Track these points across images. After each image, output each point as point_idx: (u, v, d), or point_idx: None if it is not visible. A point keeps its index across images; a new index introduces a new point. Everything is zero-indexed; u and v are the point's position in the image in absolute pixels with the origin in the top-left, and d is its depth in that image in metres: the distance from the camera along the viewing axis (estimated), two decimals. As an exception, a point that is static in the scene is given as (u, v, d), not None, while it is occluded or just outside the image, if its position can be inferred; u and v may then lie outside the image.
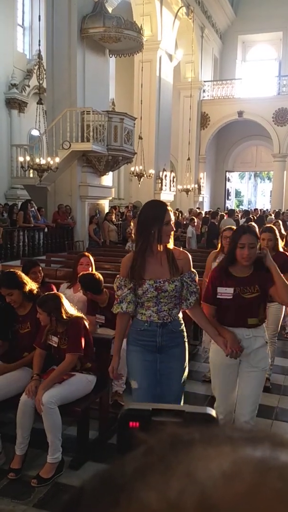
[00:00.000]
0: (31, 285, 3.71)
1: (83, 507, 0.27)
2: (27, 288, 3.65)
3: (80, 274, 4.33)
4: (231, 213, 13.11)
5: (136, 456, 0.29)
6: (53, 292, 3.93)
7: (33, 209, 11.24)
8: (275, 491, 0.24)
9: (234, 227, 6.07)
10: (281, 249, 4.94)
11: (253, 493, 0.24)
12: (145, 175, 15.10)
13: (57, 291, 4.62)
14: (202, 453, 0.27)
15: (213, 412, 0.47)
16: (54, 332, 3.48)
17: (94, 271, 4.51)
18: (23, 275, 3.75)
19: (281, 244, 4.71)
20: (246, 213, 14.94)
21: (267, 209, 22.18)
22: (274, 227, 4.69)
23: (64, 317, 3.42)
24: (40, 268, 4.56)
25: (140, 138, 14.35)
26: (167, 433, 0.30)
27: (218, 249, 4.51)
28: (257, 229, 6.92)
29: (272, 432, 0.31)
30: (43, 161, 9.94)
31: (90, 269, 4.57)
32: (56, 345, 3.48)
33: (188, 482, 0.25)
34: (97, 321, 4.32)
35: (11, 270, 3.92)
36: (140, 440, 0.30)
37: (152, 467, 0.27)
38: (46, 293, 3.67)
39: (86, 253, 4.88)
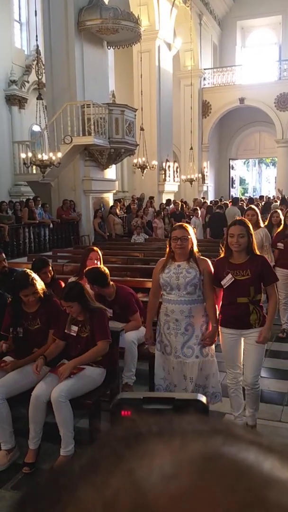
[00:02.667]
0: (41, 285, 3.75)
1: (27, 504, 0.27)
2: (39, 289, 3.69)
3: (86, 269, 4.35)
4: (235, 201, 13.03)
5: (90, 451, 0.29)
6: (73, 281, 3.98)
7: (39, 210, 11.14)
8: (211, 496, 0.23)
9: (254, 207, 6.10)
10: (261, 224, 5.76)
11: (187, 497, 0.23)
12: (148, 167, 15.04)
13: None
14: (151, 449, 0.27)
15: (203, 399, 0.48)
16: (75, 322, 3.53)
17: (101, 265, 4.53)
18: (35, 276, 3.77)
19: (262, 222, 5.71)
20: (250, 200, 14.85)
21: (273, 196, 22.04)
22: (255, 208, 5.83)
23: (90, 303, 3.51)
24: (51, 268, 4.56)
25: (142, 129, 14.28)
26: (126, 426, 0.30)
27: (166, 257, 3.57)
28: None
29: (231, 424, 0.30)
30: (45, 157, 9.93)
31: (99, 263, 4.59)
32: (75, 334, 3.53)
33: (126, 482, 0.24)
34: None
35: (26, 270, 3.91)
36: (101, 433, 0.30)
37: (101, 463, 0.27)
38: (67, 284, 3.74)
39: (95, 248, 4.88)
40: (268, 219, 7.07)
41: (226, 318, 3.50)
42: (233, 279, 3.37)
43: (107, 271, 4.22)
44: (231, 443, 0.27)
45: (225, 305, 3.51)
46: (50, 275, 4.48)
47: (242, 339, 3.53)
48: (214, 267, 3.53)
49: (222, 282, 3.41)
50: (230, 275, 3.38)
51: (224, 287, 3.42)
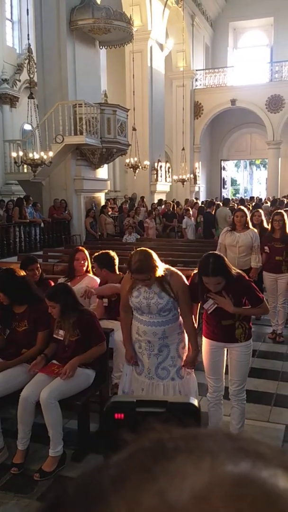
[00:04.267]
0: (29, 283, 3.74)
1: None
2: (24, 286, 3.67)
3: (94, 255, 4.40)
4: (226, 202, 13.09)
5: (118, 462, 0.28)
6: (61, 283, 3.97)
7: (30, 209, 11.09)
8: None
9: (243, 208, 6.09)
10: (251, 225, 5.76)
11: None
12: (140, 167, 15.05)
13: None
14: (181, 467, 0.26)
15: (195, 402, 0.48)
16: (62, 326, 3.51)
17: (89, 263, 4.60)
18: (21, 272, 3.77)
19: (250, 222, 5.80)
20: (241, 201, 14.91)
21: (264, 197, 22.14)
22: (244, 208, 5.97)
23: (78, 306, 3.50)
24: (38, 265, 4.56)
25: (134, 129, 14.29)
26: (152, 438, 0.30)
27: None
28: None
29: (256, 443, 0.30)
30: (36, 156, 9.89)
31: (86, 263, 4.60)
32: (62, 339, 3.51)
33: (158, 502, 0.24)
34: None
35: (9, 268, 3.92)
36: (126, 442, 0.30)
37: (131, 477, 0.27)
38: (54, 285, 3.72)
39: (81, 248, 4.89)
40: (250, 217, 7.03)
41: (211, 332, 3.24)
42: (215, 305, 3.06)
43: (115, 256, 4.29)
44: (260, 466, 0.27)
45: (208, 325, 3.24)
46: (38, 273, 4.48)
47: (226, 349, 3.27)
48: (191, 281, 3.13)
49: (205, 307, 3.12)
50: (211, 301, 3.05)
51: (208, 312, 3.15)
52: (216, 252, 3.29)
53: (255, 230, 5.90)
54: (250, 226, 5.84)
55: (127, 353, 3.29)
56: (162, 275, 2.98)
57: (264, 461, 0.27)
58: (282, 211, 6.07)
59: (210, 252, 3.08)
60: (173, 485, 0.25)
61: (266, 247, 5.77)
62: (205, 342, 3.29)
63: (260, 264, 5.77)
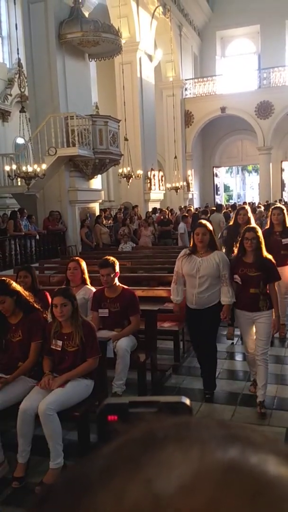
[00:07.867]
0: (23, 293, 3.75)
1: (46, 505, 0.27)
2: (19, 296, 3.69)
3: (100, 264, 4.52)
4: (219, 208, 13.17)
5: (107, 453, 0.28)
6: (65, 287, 4.03)
7: (24, 222, 11.07)
8: (230, 510, 0.23)
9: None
10: (218, 246, 4.46)
11: (206, 511, 0.23)
12: (133, 176, 15.11)
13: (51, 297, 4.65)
14: (169, 457, 0.26)
15: (187, 401, 0.49)
16: (59, 336, 3.51)
17: (85, 273, 4.69)
18: (13, 283, 3.79)
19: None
20: (233, 207, 14.99)
21: (258, 202, 22.24)
22: (207, 223, 4.28)
23: (80, 316, 3.54)
24: (28, 274, 4.57)
25: (126, 139, 14.37)
26: (142, 429, 0.29)
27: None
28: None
29: (250, 430, 0.29)
30: (29, 169, 9.91)
31: (80, 273, 4.64)
32: (59, 349, 3.50)
33: (145, 491, 0.24)
34: (100, 315, 4.43)
35: (2, 277, 3.96)
36: (116, 433, 0.29)
37: (119, 467, 0.26)
38: (59, 288, 3.78)
39: (75, 258, 4.98)
40: (233, 217, 6.01)
41: None
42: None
43: (115, 260, 4.49)
44: (250, 453, 0.26)
45: None
46: (30, 279, 4.50)
47: None
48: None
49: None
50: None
51: None
52: None
53: (222, 252, 4.61)
54: (218, 247, 4.47)
55: None
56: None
57: (254, 447, 0.27)
58: (255, 226, 4.50)
59: None
60: (160, 475, 0.25)
61: (236, 276, 4.17)
62: None
63: (234, 300, 4.19)
